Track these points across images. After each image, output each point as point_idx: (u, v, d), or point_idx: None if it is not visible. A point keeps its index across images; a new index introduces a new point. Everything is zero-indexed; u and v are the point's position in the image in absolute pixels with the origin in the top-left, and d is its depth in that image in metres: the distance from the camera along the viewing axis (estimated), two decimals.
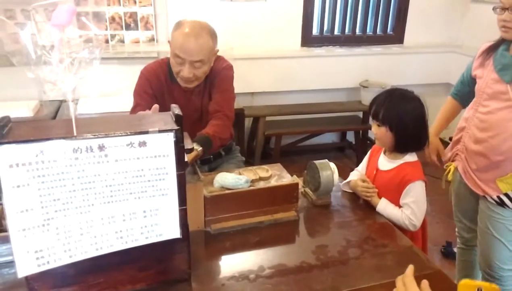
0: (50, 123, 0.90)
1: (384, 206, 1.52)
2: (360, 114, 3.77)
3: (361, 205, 1.60)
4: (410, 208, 1.48)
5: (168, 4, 3.15)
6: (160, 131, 0.87)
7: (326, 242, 1.38)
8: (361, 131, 3.72)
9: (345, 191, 1.69)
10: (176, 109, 1.02)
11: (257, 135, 3.38)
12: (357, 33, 3.69)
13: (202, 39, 1.65)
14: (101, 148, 0.82)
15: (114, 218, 0.88)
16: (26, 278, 1.05)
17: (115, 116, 1.08)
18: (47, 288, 1.06)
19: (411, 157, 1.54)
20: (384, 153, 1.60)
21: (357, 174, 1.71)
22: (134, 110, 1.70)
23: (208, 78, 1.81)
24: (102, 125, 0.87)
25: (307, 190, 1.63)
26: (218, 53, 1.83)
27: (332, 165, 1.60)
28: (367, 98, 3.58)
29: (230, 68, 1.87)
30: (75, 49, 0.81)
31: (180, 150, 0.96)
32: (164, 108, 1.78)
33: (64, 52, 0.79)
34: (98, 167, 0.83)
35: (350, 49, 3.64)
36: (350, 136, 3.93)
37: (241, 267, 1.26)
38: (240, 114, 3.08)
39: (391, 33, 3.75)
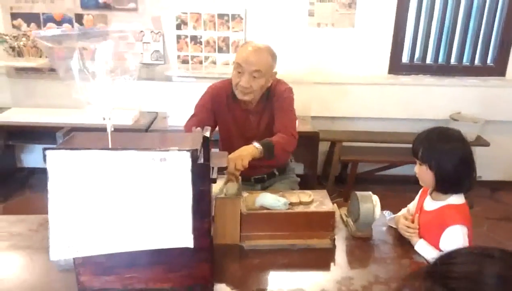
0: (105, 136, 1.08)
1: (422, 247, 1.47)
2: None
3: (404, 243, 1.56)
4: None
5: (258, 30, 3.35)
6: (179, 150, 1.00)
7: (353, 275, 1.38)
8: None
9: (391, 226, 1.66)
10: (206, 131, 1.16)
11: (332, 159, 3.38)
12: (451, 63, 3.50)
13: (262, 53, 1.84)
14: (128, 160, 0.98)
15: (133, 221, 1.03)
16: (74, 263, 1.26)
17: (153, 134, 1.24)
18: (88, 274, 1.26)
19: (457, 199, 1.47)
20: (431, 193, 1.55)
21: (405, 211, 1.66)
22: (189, 119, 1.91)
23: (268, 100, 1.92)
24: (135, 141, 1.04)
25: (349, 220, 1.64)
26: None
27: (375, 198, 1.59)
28: None
29: (290, 90, 1.97)
30: (111, 78, 0.97)
31: (200, 168, 1.09)
32: (223, 123, 1.95)
33: (101, 80, 0.96)
34: (125, 176, 0.99)
35: (441, 79, 3.46)
36: None
37: (262, 285, 1.33)
38: (314, 137, 3.13)
39: (491, 64, 3.48)
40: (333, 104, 3.50)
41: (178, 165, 1.00)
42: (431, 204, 1.52)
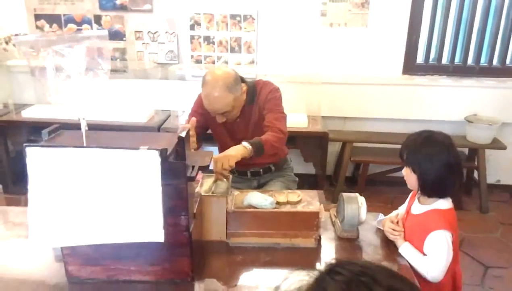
0: (86, 134, 1.15)
1: (406, 250, 1.47)
2: (466, 150, 3.46)
3: (389, 245, 1.56)
4: (430, 258, 1.40)
5: (270, 31, 3.38)
6: (148, 149, 1.05)
7: None
8: (464, 170, 3.42)
9: (380, 229, 1.66)
10: (182, 131, 1.21)
11: (343, 160, 3.38)
12: (469, 63, 3.41)
13: (220, 98, 1.83)
14: (100, 157, 1.04)
15: (107, 215, 1.09)
16: (63, 253, 1.34)
17: (128, 133, 1.30)
18: (76, 264, 1.34)
19: (443, 204, 1.46)
20: (418, 197, 1.54)
21: (395, 214, 1.66)
22: (186, 122, 1.97)
23: (256, 104, 1.96)
24: (110, 140, 1.10)
25: (337, 221, 1.66)
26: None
27: (361, 199, 1.60)
28: (472, 133, 3.29)
29: (276, 90, 1.99)
30: (83, 81, 1.03)
31: (172, 166, 1.14)
32: (214, 127, 2.00)
33: (75, 81, 1.02)
34: (98, 172, 1.06)
35: (458, 80, 3.38)
36: None
37: (241, 281, 1.37)
38: (323, 137, 3.13)
39: (510, 65, 3.37)
40: (345, 105, 3.49)
41: (148, 163, 1.05)
42: (418, 207, 1.51)
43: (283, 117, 1.97)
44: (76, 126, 1.16)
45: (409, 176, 1.47)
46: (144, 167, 1.05)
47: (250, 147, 1.75)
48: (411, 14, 3.29)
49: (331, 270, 0.55)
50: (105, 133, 1.23)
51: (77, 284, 1.35)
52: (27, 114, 3.30)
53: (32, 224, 1.05)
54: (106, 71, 1.03)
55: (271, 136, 1.85)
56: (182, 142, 1.17)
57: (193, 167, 1.32)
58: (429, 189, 1.44)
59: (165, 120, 3.35)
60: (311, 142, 3.23)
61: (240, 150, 1.73)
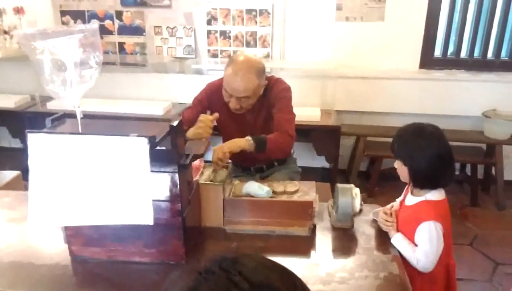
0: (84, 122, 1.24)
1: (397, 241, 1.49)
2: (483, 146, 3.39)
3: (383, 236, 1.58)
4: (420, 248, 1.42)
5: (286, 25, 3.41)
6: (138, 136, 1.12)
7: (319, 262, 1.44)
8: (482, 166, 3.35)
9: (375, 219, 1.68)
10: (174, 121, 1.27)
11: (356, 154, 3.38)
12: (488, 57, 3.33)
13: (248, 79, 1.84)
14: (94, 144, 1.12)
15: (101, 198, 1.17)
16: (66, 234, 1.44)
17: (127, 121, 1.37)
18: (79, 244, 1.43)
19: (436, 195, 1.46)
20: (411, 189, 1.55)
21: (390, 205, 1.68)
22: (187, 110, 2.09)
23: (265, 97, 1.99)
24: (104, 127, 1.18)
25: (332, 211, 1.69)
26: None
27: (356, 190, 1.62)
28: (490, 129, 3.22)
29: (287, 90, 2.01)
30: (76, 72, 1.11)
31: (163, 153, 1.20)
32: (221, 120, 2.05)
33: (69, 74, 1.10)
34: (93, 158, 1.14)
35: (477, 74, 3.31)
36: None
37: None
38: (336, 131, 3.14)
39: None
40: (361, 99, 3.48)
41: (137, 149, 1.12)
42: (411, 199, 1.53)
43: (292, 119, 1.99)
44: (96, 117, 1.25)
45: (400, 168, 1.49)
46: (134, 153, 1.13)
47: (252, 141, 1.79)
48: (429, 7, 3.24)
49: (206, 269, 0.55)
50: (104, 122, 1.31)
51: (80, 263, 1.44)
52: (52, 106, 3.46)
53: (31, 206, 1.14)
54: (98, 63, 1.10)
55: (278, 137, 1.88)
56: (175, 131, 1.23)
57: (187, 155, 1.39)
58: (421, 181, 1.45)
59: (181, 113, 3.44)
60: (323, 136, 3.25)
61: (240, 142, 1.78)
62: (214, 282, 0.53)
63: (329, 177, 3.40)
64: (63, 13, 3.63)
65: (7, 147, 4.09)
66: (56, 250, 1.50)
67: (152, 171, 1.18)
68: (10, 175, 2.44)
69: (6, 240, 1.56)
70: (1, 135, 4.03)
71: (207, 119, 1.82)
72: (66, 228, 1.40)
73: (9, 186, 2.31)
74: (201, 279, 0.54)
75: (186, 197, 1.40)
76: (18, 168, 2.48)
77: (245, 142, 1.79)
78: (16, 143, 3.83)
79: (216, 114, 1.89)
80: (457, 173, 3.66)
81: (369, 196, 3.40)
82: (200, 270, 0.55)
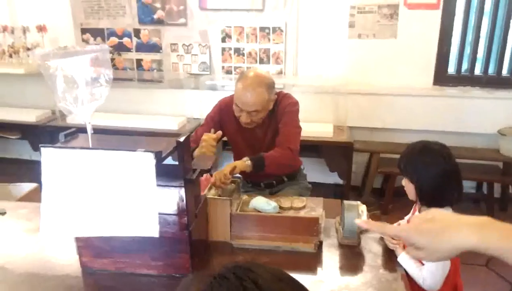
0: (95, 137, 1.29)
1: (404, 259, 1.48)
2: (500, 164, 3.34)
3: (390, 254, 1.58)
4: (426, 267, 1.41)
5: (299, 42, 3.46)
6: (145, 151, 1.17)
7: (324, 279, 1.44)
8: (499, 185, 3.30)
9: (383, 237, 1.67)
10: (181, 137, 1.31)
11: (369, 171, 3.37)
12: (503, 75, 3.31)
13: (257, 93, 1.89)
14: (103, 158, 1.17)
15: (109, 211, 1.21)
16: (77, 246, 1.48)
17: (135, 137, 1.42)
18: (89, 256, 1.47)
19: None
20: (419, 207, 1.55)
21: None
22: (199, 128, 2.11)
23: (274, 114, 2.03)
24: (114, 142, 1.22)
25: (339, 228, 1.69)
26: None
27: (362, 207, 1.63)
28: (506, 147, 3.18)
29: (294, 104, 2.05)
30: (88, 89, 1.16)
31: (169, 168, 1.24)
32: (231, 135, 2.10)
33: (81, 92, 1.15)
34: (102, 171, 1.18)
35: (492, 91, 3.28)
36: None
37: None
38: (348, 147, 3.15)
39: None
40: (374, 115, 3.49)
41: (144, 164, 1.16)
42: None
43: (297, 133, 2.03)
44: (111, 132, 1.30)
45: (408, 186, 1.49)
46: (141, 167, 1.17)
47: (250, 161, 1.85)
48: (442, 24, 3.25)
49: (220, 274, 0.57)
50: (115, 137, 1.36)
51: (91, 275, 1.48)
52: (71, 120, 3.56)
53: (44, 217, 1.19)
54: (109, 81, 1.15)
55: (276, 153, 1.92)
56: (181, 146, 1.27)
57: (194, 169, 1.42)
58: (427, 198, 1.45)
59: (195, 128, 3.50)
60: (336, 152, 3.26)
61: (237, 163, 1.82)
62: (227, 288, 0.55)
63: (342, 194, 3.39)
64: (83, 31, 3.76)
65: (27, 159, 4.22)
66: (68, 261, 1.54)
67: (159, 185, 1.22)
68: (28, 187, 2.52)
69: (21, 250, 1.61)
70: (22, 148, 4.16)
71: (210, 138, 1.86)
72: (77, 240, 1.45)
73: (27, 197, 2.39)
74: (214, 284, 0.55)
75: (193, 211, 1.43)
76: (37, 181, 2.55)
77: (241, 164, 1.83)
78: (36, 156, 3.95)
79: (219, 132, 1.92)
80: (473, 191, 3.61)
81: (383, 213, 3.38)
82: (214, 275, 0.57)
